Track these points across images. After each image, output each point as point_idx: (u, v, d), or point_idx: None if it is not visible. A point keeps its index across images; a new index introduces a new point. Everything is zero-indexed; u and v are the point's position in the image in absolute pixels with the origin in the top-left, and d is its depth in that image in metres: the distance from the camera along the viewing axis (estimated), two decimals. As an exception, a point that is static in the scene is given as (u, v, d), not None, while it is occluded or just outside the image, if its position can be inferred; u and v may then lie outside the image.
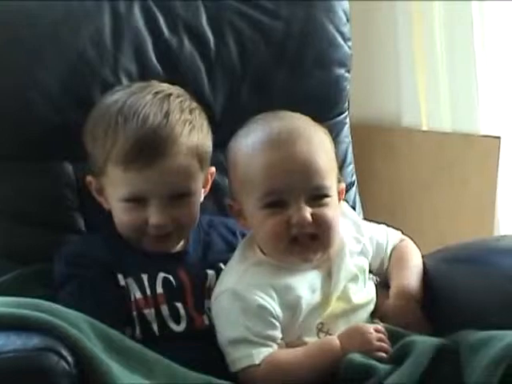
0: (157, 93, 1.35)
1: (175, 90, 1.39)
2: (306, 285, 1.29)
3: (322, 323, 1.29)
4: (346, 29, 1.60)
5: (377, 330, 1.25)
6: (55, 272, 1.36)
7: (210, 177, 1.42)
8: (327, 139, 1.33)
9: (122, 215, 1.34)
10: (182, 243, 1.40)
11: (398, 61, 2.08)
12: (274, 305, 1.26)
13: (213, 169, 1.42)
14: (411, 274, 1.37)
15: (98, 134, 1.34)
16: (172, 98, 1.36)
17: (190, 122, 1.35)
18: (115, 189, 1.34)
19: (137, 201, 1.32)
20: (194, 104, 1.39)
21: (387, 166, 2.11)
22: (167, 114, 1.32)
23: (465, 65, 2.00)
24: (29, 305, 1.15)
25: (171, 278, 1.34)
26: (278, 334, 1.26)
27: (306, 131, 1.29)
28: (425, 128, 2.08)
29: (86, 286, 1.31)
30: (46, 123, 1.44)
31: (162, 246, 1.37)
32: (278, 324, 1.26)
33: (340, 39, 1.60)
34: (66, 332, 1.10)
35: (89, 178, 1.38)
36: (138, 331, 1.31)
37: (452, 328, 1.26)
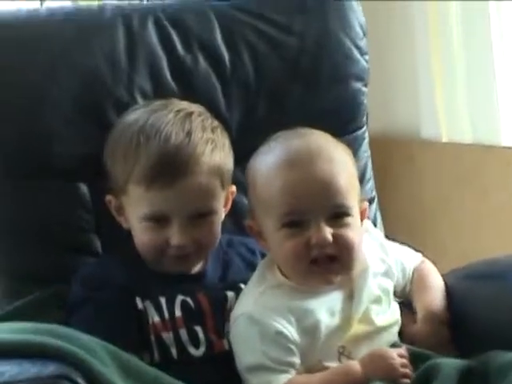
0: (178, 111, 1.35)
1: (196, 108, 1.38)
2: (325, 307, 1.26)
3: (343, 346, 1.26)
4: (362, 43, 1.58)
5: (400, 355, 1.22)
6: (71, 294, 1.34)
7: (230, 196, 1.40)
8: (348, 157, 1.31)
9: (142, 235, 1.33)
10: (200, 264, 1.38)
11: (416, 72, 2.08)
12: (291, 330, 1.23)
13: (233, 188, 1.40)
14: (435, 295, 1.35)
15: (119, 152, 1.33)
16: (194, 116, 1.35)
17: (213, 141, 1.34)
18: (136, 208, 1.32)
19: (158, 220, 1.30)
20: (216, 122, 1.38)
21: (407, 179, 2.10)
22: (189, 133, 1.31)
23: (484, 74, 1.99)
24: (45, 330, 1.13)
25: (190, 301, 1.33)
26: (296, 359, 1.24)
27: (327, 149, 1.27)
28: (444, 139, 2.07)
29: (102, 309, 1.29)
30: (60, 143, 1.42)
31: (182, 267, 1.35)
32: (296, 350, 1.23)
33: (357, 53, 1.58)
34: (82, 359, 1.08)
35: (108, 197, 1.37)
36: (156, 355, 1.29)
37: (479, 349, 1.24)
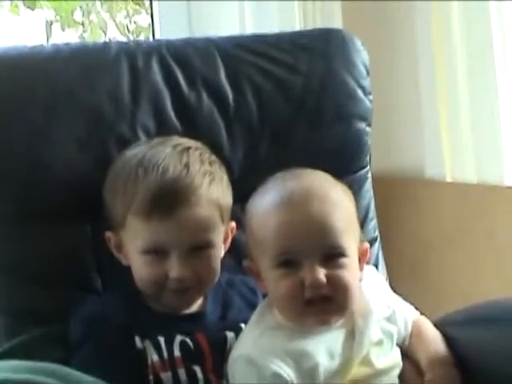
0: (176, 146, 1.36)
1: (194, 143, 1.39)
2: (324, 349, 1.25)
3: None
4: (366, 83, 1.58)
5: None
6: (71, 333, 1.34)
7: (230, 232, 1.40)
8: (346, 197, 1.30)
9: (141, 269, 1.32)
10: (200, 303, 1.37)
11: (421, 110, 2.04)
12: (289, 372, 1.22)
13: (233, 224, 1.40)
14: (437, 344, 1.34)
15: (118, 186, 1.34)
16: (191, 150, 1.36)
17: (211, 174, 1.35)
18: (135, 241, 1.32)
19: (157, 253, 1.30)
20: (214, 157, 1.39)
21: (410, 219, 2.07)
22: (187, 166, 1.32)
23: (489, 114, 1.94)
24: (41, 370, 1.13)
25: (189, 341, 1.32)
26: None
27: (321, 190, 1.26)
28: (449, 179, 2.04)
29: (102, 348, 1.28)
30: (61, 183, 1.42)
31: (182, 302, 1.34)
32: None
33: (360, 93, 1.58)
34: None
35: (108, 234, 1.37)
36: None
37: None
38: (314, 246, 1.23)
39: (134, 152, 1.36)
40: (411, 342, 1.36)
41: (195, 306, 1.37)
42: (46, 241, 1.41)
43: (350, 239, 1.26)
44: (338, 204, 1.26)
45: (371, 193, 1.61)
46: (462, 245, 1.97)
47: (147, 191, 1.30)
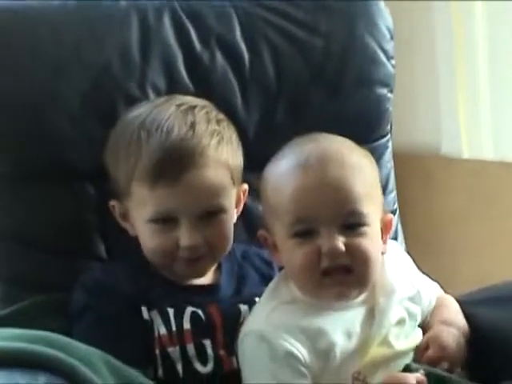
0: (180, 105, 1.26)
1: (200, 101, 1.29)
2: (341, 328, 1.16)
3: (358, 372, 1.15)
4: (389, 46, 1.48)
5: (419, 382, 1.11)
6: (73, 301, 1.25)
7: (242, 195, 1.31)
8: (367, 163, 1.20)
9: (149, 239, 1.23)
10: (213, 275, 1.29)
11: (438, 85, 1.98)
12: (303, 351, 1.13)
13: (245, 186, 1.32)
14: (450, 311, 1.25)
15: (120, 151, 1.25)
16: (197, 109, 1.26)
17: (218, 133, 1.25)
18: (141, 210, 1.23)
19: (165, 221, 1.21)
20: (221, 115, 1.29)
21: (425, 197, 2.00)
22: (193, 125, 1.22)
23: (509, 89, 1.90)
24: (39, 338, 1.04)
25: (200, 313, 1.23)
26: (306, 382, 1.13)
27: (340, 154, 1.17)
28: (465, 156, 1.98)
29: (105, 318, 1.20)
30: (67, 141, 1.33)
31: (194, 271, 1.25)
32: (307, 373, 1.13)
33: (383, 57, 1.47)
34: (76, 370, 0.99)
35: (112, 203, 1.28)
36: (160, 371, 1.20)
37: (505, 378, 1.15)
38: (331, 212, 1.14)
39: (136, 113, 1.26)
40: (430, 316, 1.26)
41: (209, 278, 1.28)
42: (47, 202, 1.33)
43: (372, 207, 1.17)
44: (359, 168, 1.17)
45: (391, 163, 1.52)
46: (479, 222, 1.93)
47: (151, 155, 1.20)
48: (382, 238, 1.19)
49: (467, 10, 1.91)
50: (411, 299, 1.22)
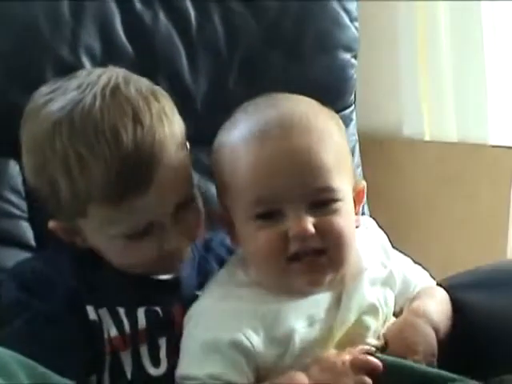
0: (102, 89, 1.00)
1: (115, 73, 1.03)
2: (302, 314, 0.97)
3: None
4: (352, 6, 1.33)
5: (354, 362, 0.92)
6: (3, 297, 1.03)
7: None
8: (335, 127, 1.01)
9: (123, 253, 1.02)
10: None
11: (398, 63, 1.84)
12: (255, 339, 0.94)
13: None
14: (432, 301, 1.05)
15: (55, 173, 0.99)
16: (122, 87, 1.01)
17: (163, 111, 1.02)
18: (106, 228, 1.01)
19: (140, 234, 1.01)
20: (145, 81, 1.05)
21: (387, 181, 1.85)
22: (135, 115, 0.99)
23: (473, 66, 1.75)
24: None
25: (158, 310, 1.04)
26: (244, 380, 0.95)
27: (305, 118, 0.97)
28: (428, 138, 1.84)
29: (40, 319, 0.99)
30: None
31: (175, 267, 1.07)
32: (248, 367, 0.95)
33: (346, 18, 1.32)
34: None
35: (52, 224, 1.04)
36: (106, 375, 1.01)
37: (492, 369, 0.96)
38: (298, 190, 0.95)
39: (54, 115, 1.00)
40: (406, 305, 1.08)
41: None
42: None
43: (343, 178, 0.98)
44: (328, 135, 0.97)
45: (356, 137, 1.38)
46: (444, 207, 1.81)
47: (107, 173, 0.97)
48: (355, 208, 1.01)
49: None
50: (383, 283, 1.03)
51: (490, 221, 1.71)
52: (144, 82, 1.04)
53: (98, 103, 0.98)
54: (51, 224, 1.04)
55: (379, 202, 1.77)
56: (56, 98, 1.01)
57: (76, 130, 0.97)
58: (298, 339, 0.95)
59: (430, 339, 0.98)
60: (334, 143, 0.97)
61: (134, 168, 0.98)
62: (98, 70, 1.04)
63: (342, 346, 0.97)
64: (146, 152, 0.98)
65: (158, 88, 1.05)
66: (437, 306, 1.04)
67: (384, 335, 0.99)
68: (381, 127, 1.89)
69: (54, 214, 1.04)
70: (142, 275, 1.05)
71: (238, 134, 0.97)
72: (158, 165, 0.99)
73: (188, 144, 1.07)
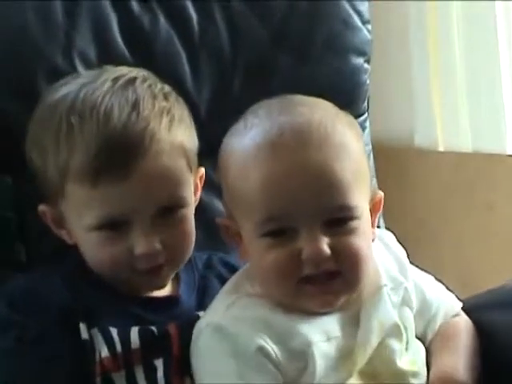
0: (116, 79, 0.99)
1: (138, 72, 1.03)
2: (317, 327, 0.89)
3: None
4: (364, 8, 1.24)
5: None
6: None
7: (199, 182, 1.06)
8: (354, 137, 0.92)
9: (94, 249, 0.98)
10: (171, 285, 1.03)
11: (410, 71, 1.79)
12: (274, 347, 0.87)
13: (202, 170, 1.06)
14: (459, 358, 0.95)
15: (47, 143, 0.98)
16: (138, 82, 1.00)
17: (168, 111, 0.99)
18: (81, 214, 0.97)
19: (114, 226, 0.97)
20: (168, 87, 1.03)
21: (399, 192, 1.79)
22: (136, 104, 0.97)
23: (488, 73, 1.69)
24: None
25: (153, 329, 0.97)
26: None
27: (323, 129, 0.89)
28: (441, 148, 1.78)
29: (30, 339, 0.94)
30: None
31: (155, 282, 1.01)
32: (278, 373, 0.87)
33: (357, 20, 1.22)
34: None
35: (42, 208, 1.01)
36: None
37: None
38: (313, 208, 0.88)
39: (61, 93, 1.00)
40: (432, 343, 0.97)
41: (166, 289, 1.03)
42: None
43: (361, 194, 0.90)
44: (345, 147, 0.89)
45: (370, 147, 1.26)
46: (459, 218, 1.77)
47: (88, 148, 0.95)
48: (372, 220, 0.93)
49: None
50: (402, 302, 0.94)
51: (507, 232, 1.65)
52: (163, 86, 1.03)
53: (107, 85, 0.98)
54: (41, 208, 1.02)
55: (391, 214, 1.74)
56: (72, 81, 1.02)
57: (75, 104, 0.97)
58: (317, 354, 0.87)
59: None
60: (352, 157, 0.89)
61: (116, 149, 0.95)
62: (128, 68, 1.04)
63: (367, 374, 0.89)
64: (133, 137, 0.94)
65: (177, 96, 1.02)
66: (466, 359, 0.94)
67: None
68: (391, 137, 1.84)
69: (43, 195, 1.01)
70: (135, 293, 0.99)
71: (249, 142, 0.90)
72: (144, 155, 0.95)
73: (195, 163, 1.01)
